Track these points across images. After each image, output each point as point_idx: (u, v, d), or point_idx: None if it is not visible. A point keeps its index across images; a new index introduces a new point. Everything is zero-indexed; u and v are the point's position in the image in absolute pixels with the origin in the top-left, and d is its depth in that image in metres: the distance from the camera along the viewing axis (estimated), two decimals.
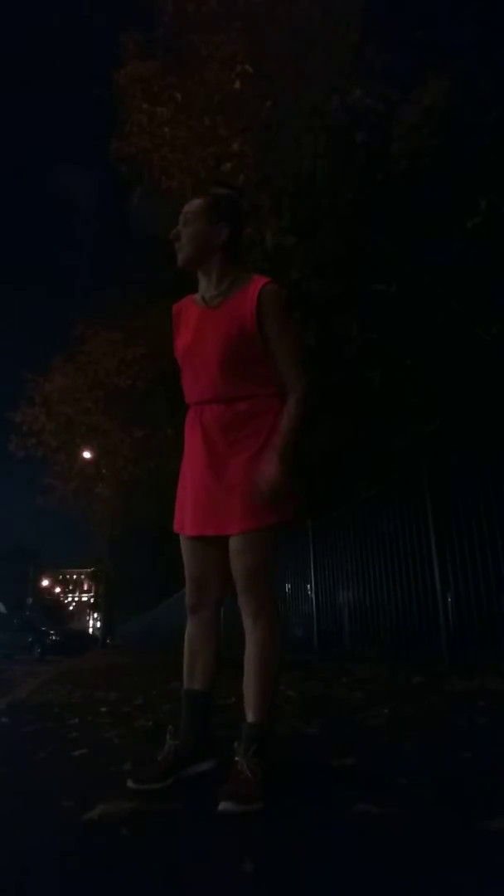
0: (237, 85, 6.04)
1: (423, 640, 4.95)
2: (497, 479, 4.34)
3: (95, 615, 71.83)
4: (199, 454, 1.71)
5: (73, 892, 1.03)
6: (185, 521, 1.73)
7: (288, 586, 8.03)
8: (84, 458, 13.94)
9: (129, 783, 1.58)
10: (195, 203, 1.76)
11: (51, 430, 12.50)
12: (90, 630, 61.67)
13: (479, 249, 5.81)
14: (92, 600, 74.23)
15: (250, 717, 1.57)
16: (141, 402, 12.07)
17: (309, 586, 7.21)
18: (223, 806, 1.37)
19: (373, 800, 1.39)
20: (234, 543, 1.64)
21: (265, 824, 1.32)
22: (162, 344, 11.88)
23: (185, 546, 1.76)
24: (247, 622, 1.65)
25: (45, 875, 1.10)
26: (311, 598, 7.10)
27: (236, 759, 1.52)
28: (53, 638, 21.64)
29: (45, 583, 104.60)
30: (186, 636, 1.77)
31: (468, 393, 6.41)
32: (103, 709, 3.54)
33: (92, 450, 13.87)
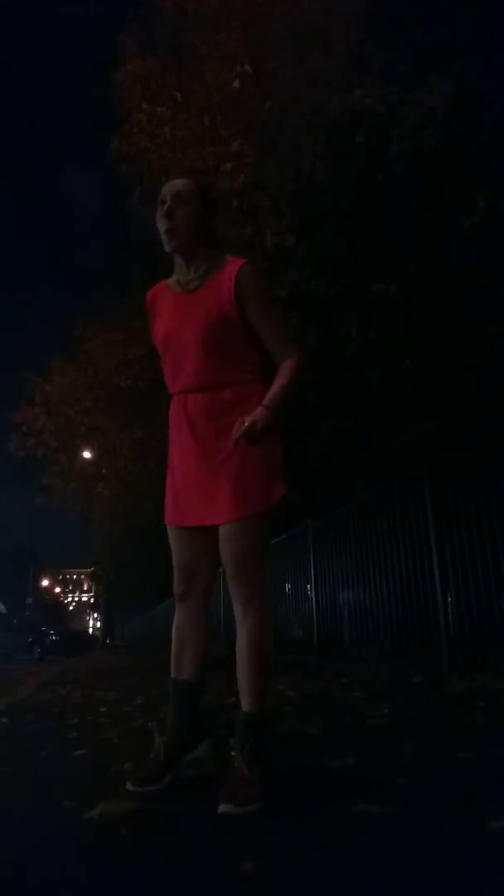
0: (237, 85, 6.04)
1: (423, 640, 4.95)
2: (497, 479, 4.34)
3: (95, 615, 71.78)
4: (186, 444, 1.68)
5: (73, 892, 1.03)
6: (176, 512, 1.72)
7: (288, 586, 8.03)
8: (84, 458, 13.93)
9: (128, 786, 1.58)
10: (185, 183, 1.69)
11: (51, 430, 12.48)
12: (90, 630, 61.67)
13: (478, 249, 5.81)
14: (92, 600, 74.17)
15: (245, 705, 1.57)
16: (141, 402, 12.05)
17: (309, 586, 7.20)
18: (223, 808, 1.36)
19: (373, 800, 1.39)
20: (223, 531, 1.62)
21: (265, 824, 1.32)
22: None
23: (172, 534, 1.74)
24: (238, 609, 1.63)
25: (45, 875, 1.10)
26: (311, 598, 7.10)
27: (233, 753, 1.52)
28: (53, 638, 21.66)
29: (45, 583, 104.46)
30: (175, 625, 1.74)
31: (468, 392, 6.41)
32: (103, 709, 3.54)
33: (92, 450, 13.85)
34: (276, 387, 1.64)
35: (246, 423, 1.55)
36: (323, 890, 1.00)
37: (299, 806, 1.43)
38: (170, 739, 1.64)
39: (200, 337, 1.64)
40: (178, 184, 1.69)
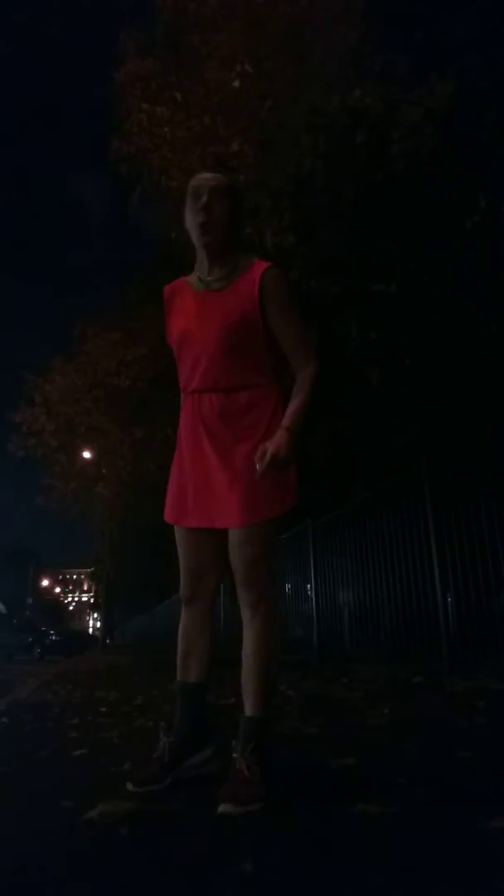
0: (237, 85, 6.03)
1: (423, 640, 4.95)
2: (497, 479, 4.34)
3: (95, 615, 71.79)
4: (199, 445, 1.66)
5: (73, 892, 1.03)
6: (183, 512, 1.69)
7: (288, 586, 8.02)
8: (84, 458, 13.93)
9: (129, 786, 1.57)
10: (219, 179, 1.66)
11: (51, 430, 12.49)
12: (90, 630, 61.67)
13: (478, 249, 5.81)
14: (92, 600, 74.19)
15: (249, 710, 1.56)
16: (141, 403, 12.07)
17: (309, 586, 7.20)
18: (223, 808, 1.36)
19: (373, 800, 1.39)
20: (234, 536, 1.61)
21: (265, 824, 1.32)
22: (162, 344, 11.94)
23: (181, 536, 1.72)
24: (245, 613, 1.63)
25: (45, 875, 1.10)
26: (311, 598, 7.10)
27: (234, 756, 1.51)
28: (53, 638, 21.66)
29: (45, 583, 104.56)
30: (181, 627, 1.73)
31: (468, 392, 6.41)
32: (103, 709, 3.54)
33: (92, 450, 13.85)
34: (294, 405, 1.61)
35: (269, 452, 1.52)
36: (323, 890, 1.00)
37: (299, 806, 1.43)
38: (175, 741, 1.64)
39: (220, 337, 1.62)
40: (214, 178, 1.67)
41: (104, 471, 13.72)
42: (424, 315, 6.41)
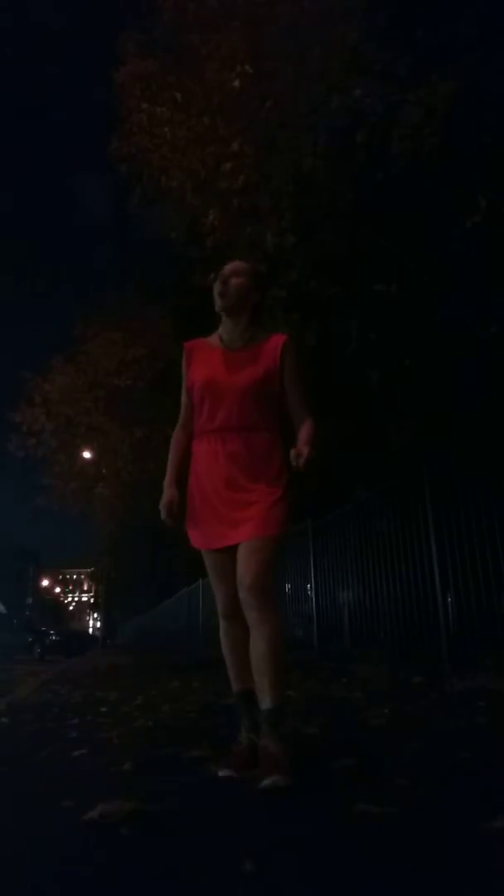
0: (237, 85, 6.02)
1: (423, 640, 4.95)
2: (497, 479, 4.34)
3: (95, 615, 71.77)
4: (225, 474, 1.93)
5: (73, 892, 1.03)
6: (212, 537, 1.94)
7: (288, 586, 8.02)
8: (84, 458, 13.93)
9: (221, 772, 1.72)
10: (243, 264, 2.11)
11: (51, 430, 12.48)
12: (90, 630, 61.67)
13: (478, 249, 5.81)
14: (92, 600, 74.17)
15: (269, 702, 1.73)
16: (141, 402, 12.07)
17: (309, 586, 7.20)
18: (270, 781, 1.52)
19: (373, 800, 1.39)
20: (249, 545, 1.84)
21: (265, 824, 1.32)
22: (161, 344, 11.93)
23: (217, 562, 1.96)
24: (254, 616, 1.80)
25: (45, 875, 1.10)
26: (311, 598, 7.10)
27: (264, 742, 1.70)
28: (53, 638, 21.66)
29: (45, 583, 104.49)
30: (228, 643, 1.97)
31: (468, 392, 6.41)
32: (103, 709, 3.54)
33: (92, 450, 13.85)
34: (307, 431, 1.97)
35: (305, 452, 1.87)
36: (323, 890, 1.00)
37: (299, 806, 1.43)
38: (258, 737, 1.79)
39: (248, 386, 1.96)
40: (239, 264, 2.11)
41: (104, 471, 13.71)
42: (424, 315, 6.40)
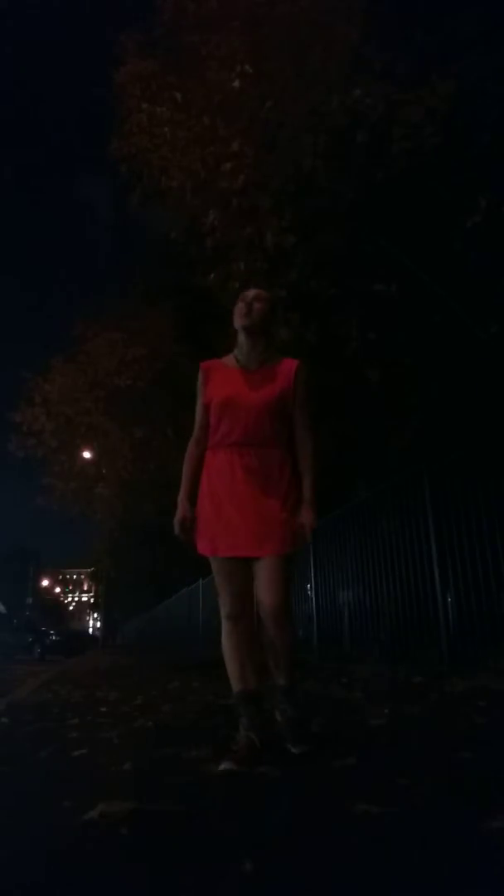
0: (237, 85, 6.02)
1: (423, 640, 4.95)
2: (497, 479, 4.33)
3: (95, 615, 71.73)
4: (241, 487, 2.08)
5: (73, 891, 1.03)
6: (226, 545, 2.07)
7: None
8: (84, 458, 13.90)
9: (224, 766, 1.78)
10: (265, 292, 2.31)
11: (51, 430, 12.45)
12: (90, 630, 61.67)
13: (478, 249, 5.81)
14: (92, 600, 74.15)
15: (285, 680, 2.05)
16: (141, 402, 12.05)
17: (309, 586, 7.20)
18: (299, 748, 1.91)
19: (373, 800, 1.39)
20: (273, 560, 2.03)
21: (265, 824, 1.32)
22: (161, 344, 11.92)
23: (224, 567, 2.09)
24: (274, 629, 2.03)
25: (45, 875, 1.10)
26: (311, 598, 7.10)
27: (283, 708, 2.03)
28: (53, 638, 21.67)
29: (45, 583, 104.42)
30: (231, 644, 2.08)
31: (467, 392, 6.40)
32: (103, 709, 3.54)
33: (92, 450, 13.82)
34: (308, 482, 2.17)
35: (307, 527, 2.11)
36: (323, 890, 1.00)
37: (299, 806, 1.43)
38: (256, 735, 1.94)
39: (264, 405, 2.13)
40: (263, 292, 2.30)
41: (104, 471, 13.68)
42: (424, 315, 6.40)
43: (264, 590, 2.02)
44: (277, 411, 2.15)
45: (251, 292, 2.27)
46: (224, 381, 2.20)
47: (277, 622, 2.02)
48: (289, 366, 2.23)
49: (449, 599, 4.69)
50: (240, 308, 2.23)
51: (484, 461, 4.56)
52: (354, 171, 5.96)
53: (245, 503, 2.06)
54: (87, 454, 13.97)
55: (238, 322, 2.23)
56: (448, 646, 4.54)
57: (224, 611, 2.11)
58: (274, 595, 2.01)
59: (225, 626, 2.11)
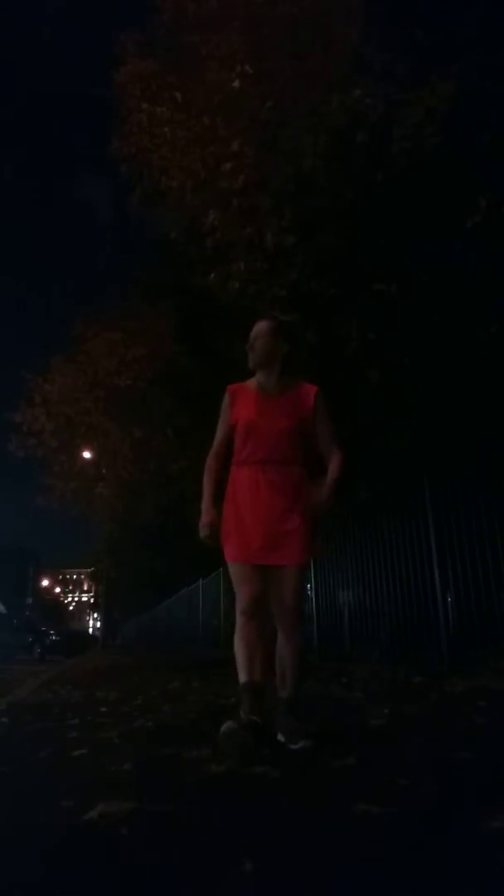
0: (237, 85, 6.01)
1: (423, 640, 4.95)
2: (497, 479, 4.34)
3: (95, 615, 71.75)
4: (264, 501, 2.28)
5: (72, 892, 1.03)
6: (248, 553, 2.24)
7: None
8: (84, 458, 13.89)
9: (224, 727, 1.93)
10: (266, 324, 2.41)
11: (51, 430, 12.44)
12: (90, 630, 61.66)
13: (478, 249, 5.80)
14: (92, 600, 74.15)
15: (289, 692, 2.26)
16: (141, 402, 12.05)
17: (309, 586, 7.20)
18: (302, 744, 2.05)
19: (373, 800, 1.39)
20: (291, 571, 2.25)
21: (265, 824, 1.32)
22: (161, 344, 11.92)
23: (242, 570, 2.26)
24: (288, 628, 2.28)
25: (45, 875, 1.10)
26: (311, 598, 7.10)
27: (284, 719, 2.19)
28: (53, 638, 21.65)
29: (45, 583, 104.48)
30: (243, 638, 2.20)
31: (467, 392, 6.40)
32: (103, 709, 3.54)
33: (92, 450, 13.82)
34: (331, 475, 2.36)
35: (321, 505, 2.33)
36: (323, 890, 1.00)
37: (299, 806, 1.43)
38: (252, 730, 1.99)
39: (286, 428, 2.34)
40: (262, 326, 2.42)
41: (104, 471, 13.67)
42: (424, 315, 6.39)
43: (280, 595, 2.24)
44: (297, 434, 2.36)
45: (254, 330, 2.43)
46: (249, 405, 2.40)
47: (290, 624, 2.26)
48: (307, 391, 2.43)
49: (449, 599, 4.70)
50: (248, 348, 2.44)
51: (484, 461, 4.56)
52: (354, 171, 5.95)
53: (266, 515, 2.25)
54: (87, 454, 13.97)
55: (249, 361, 2.44)
56: (448, 646, 4.55)
57: (240, 607, 2.26)
58: (289, 600, 2.24)
59: (238, 621, 2.25)
